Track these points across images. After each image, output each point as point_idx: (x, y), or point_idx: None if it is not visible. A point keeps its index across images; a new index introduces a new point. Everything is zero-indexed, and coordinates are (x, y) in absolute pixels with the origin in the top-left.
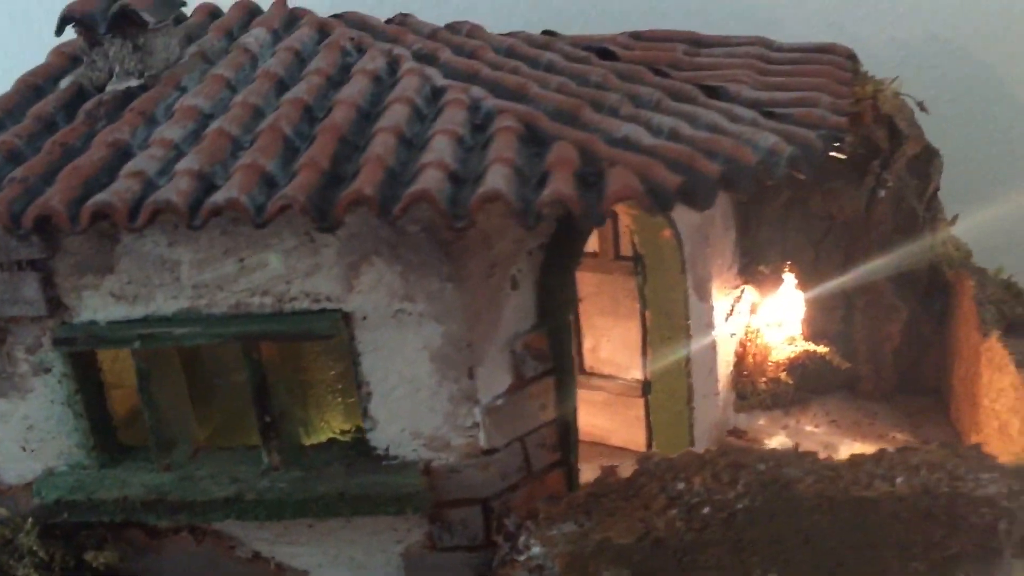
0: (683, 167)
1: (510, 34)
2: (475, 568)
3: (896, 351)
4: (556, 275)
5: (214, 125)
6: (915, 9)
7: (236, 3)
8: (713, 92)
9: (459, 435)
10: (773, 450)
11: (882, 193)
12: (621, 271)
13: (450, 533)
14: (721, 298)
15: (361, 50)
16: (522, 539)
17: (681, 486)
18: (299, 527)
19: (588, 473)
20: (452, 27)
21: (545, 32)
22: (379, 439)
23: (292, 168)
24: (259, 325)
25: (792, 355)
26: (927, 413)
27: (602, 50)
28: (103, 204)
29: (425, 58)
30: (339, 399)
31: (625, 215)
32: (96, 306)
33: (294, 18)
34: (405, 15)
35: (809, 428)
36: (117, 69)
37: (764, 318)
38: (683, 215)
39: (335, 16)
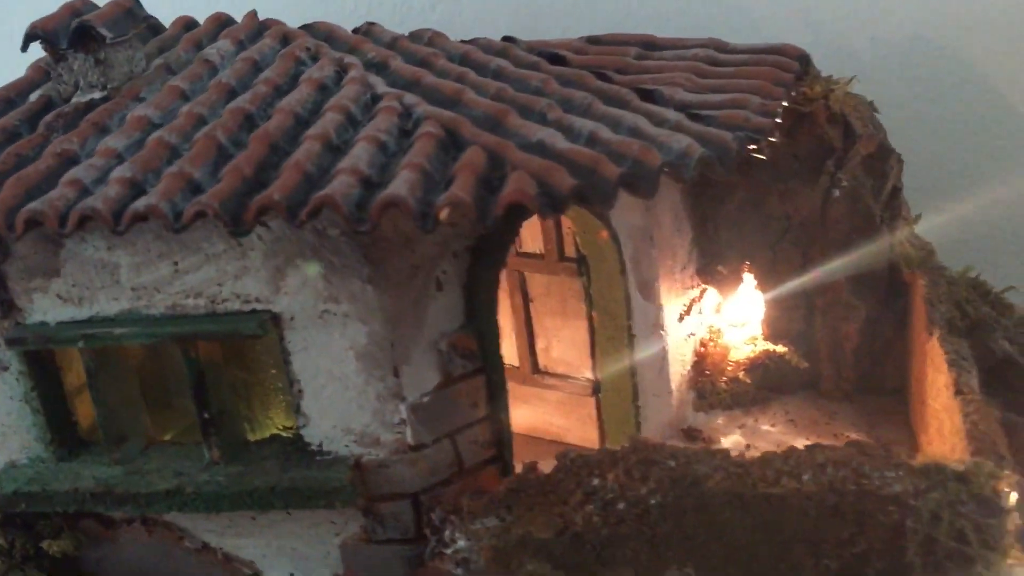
0: (585, 170)
1: (470, 41)
2: (408, 560)
3: (856, 351)
4: (483, 276)
5: (155, 134)
6: (896, 9)
7: (211, 16)
8: (648, 95)
9: (388, 431)
10: (684, 447)
11: (836, 193)
12: (566, 272)
13: (383, 526)
14: (673, 299)
15: (316, 59)
16: (447, 532)
17: (596, 482)
18: (243, 519)
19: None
20: (415, 35)
21: (505, 38)
22: (313, 435)
23: (220, 175)
24: (194, 325)
25: (752, 355)
26: (887, 413)
27: (553, 55)
28: (35, 212)
29: (376, 66)
30: (281, 397)
31: (566, 216)
32: (46, 308)
33: (263, 29)
34: (371, 24)
35: (766, 427)
36: (81, 82)
37: (724, 318)
38: (623, 216)
39: (304, 26)
